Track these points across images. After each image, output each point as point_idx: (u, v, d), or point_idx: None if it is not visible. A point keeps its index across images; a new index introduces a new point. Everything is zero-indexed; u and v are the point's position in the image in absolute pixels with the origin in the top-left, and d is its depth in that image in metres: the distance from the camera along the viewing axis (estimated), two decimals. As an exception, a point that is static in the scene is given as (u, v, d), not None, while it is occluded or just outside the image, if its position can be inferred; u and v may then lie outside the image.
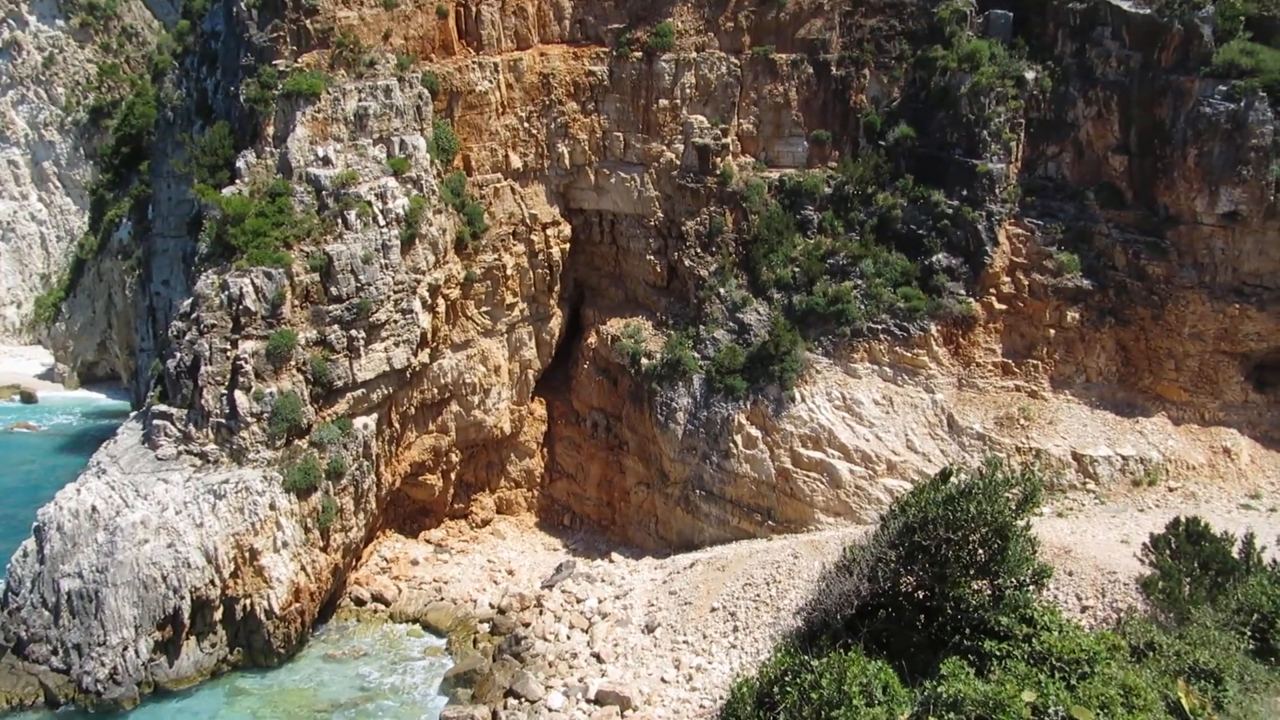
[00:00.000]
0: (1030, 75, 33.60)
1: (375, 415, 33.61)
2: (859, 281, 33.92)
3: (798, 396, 33.11)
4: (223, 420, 30.68)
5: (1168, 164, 31.81)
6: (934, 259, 33.51)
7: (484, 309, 37.89)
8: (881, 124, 35.57)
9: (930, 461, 31.44)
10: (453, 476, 38.95)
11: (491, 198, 37.16)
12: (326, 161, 33.44)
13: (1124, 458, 30.90)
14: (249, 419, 30.49)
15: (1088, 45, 33.26)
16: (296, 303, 31.60)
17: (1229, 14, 31.46)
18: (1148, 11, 32.15)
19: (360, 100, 34.03)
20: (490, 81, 36.42)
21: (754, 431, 33.49)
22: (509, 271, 37.63)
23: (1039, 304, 32.91)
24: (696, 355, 35.20)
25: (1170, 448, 31.13)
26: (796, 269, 34.89)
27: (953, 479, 11.47)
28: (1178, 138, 31.47)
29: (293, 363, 31.18)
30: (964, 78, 33.76)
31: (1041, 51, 34.26)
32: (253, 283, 31.13)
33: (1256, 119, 30.13)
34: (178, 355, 31.53)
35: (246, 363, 30.54)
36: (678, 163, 37.20)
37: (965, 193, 33.59)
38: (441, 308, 35.87)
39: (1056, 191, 33.77)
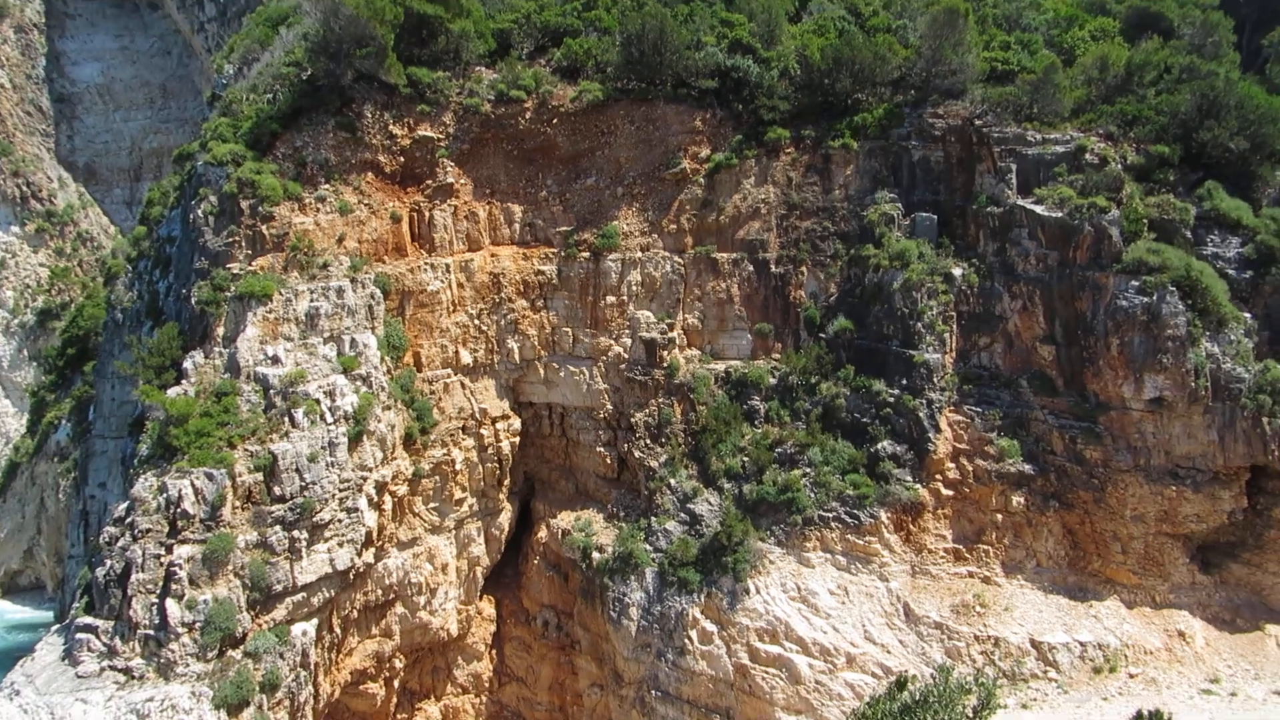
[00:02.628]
0: (958, 272, 37.15)
1: (315, 620, 33.58)
2: (808, 470, 35.73)
3: (752, 588, 33.98)
4: (151, 632, 30.44)
5: (1093, 353, 34.84)
6: (879, 446, 35.60)
7: (432, 505, 38.79)
8: (821, 317, 38.71)
9: (889, 653, 32.16)
10: (396, 684, 38.36)
11: (441, 393, 38.99)
12: (276, 360, 35.12)
13: (1082, 644, 31.92)
14: (180, 629, 30.32)
15: (1007, 245, 37.05)
16: (238, 504, 32.29)
17: (1132, 217, 35.62)
18: (1060, 215, 36.07)
19: (312, 300, 36.22)
20: (442, 281, 39.14)
21: (709, 626, 34.03)
22: (458, 466, 38.90)
23: (984, 489, 34.86)
24: (648, 548, 36.21)
25: (1126, 632, 32.30)
26: (745, 458, 36.74)
27: (909, 686, 12.30)
28: (1099, 329, 34.67)
29: (230, 567, 31.45)
30: (896, 274, 37.21)
31: (966, 250, 38.03)
32: (193, 484, 31.84)
33: (1169, 311, 33.52)
34: (108, 563, 31.63)
35: (181, 569, 30.73)
36: (626, 356, 39.74)
37: (905, 382, 36.20)
38: (388, 505, 36.70)
39: (992, 380, 36.57)
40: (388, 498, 36.52)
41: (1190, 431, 33.66)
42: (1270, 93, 39.41)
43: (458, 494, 39.17)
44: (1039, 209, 36.44)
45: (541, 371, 40.67)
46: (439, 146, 40.21)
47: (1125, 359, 33.87)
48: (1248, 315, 34.66)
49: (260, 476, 32.68)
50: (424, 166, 40.14)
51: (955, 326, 36.83)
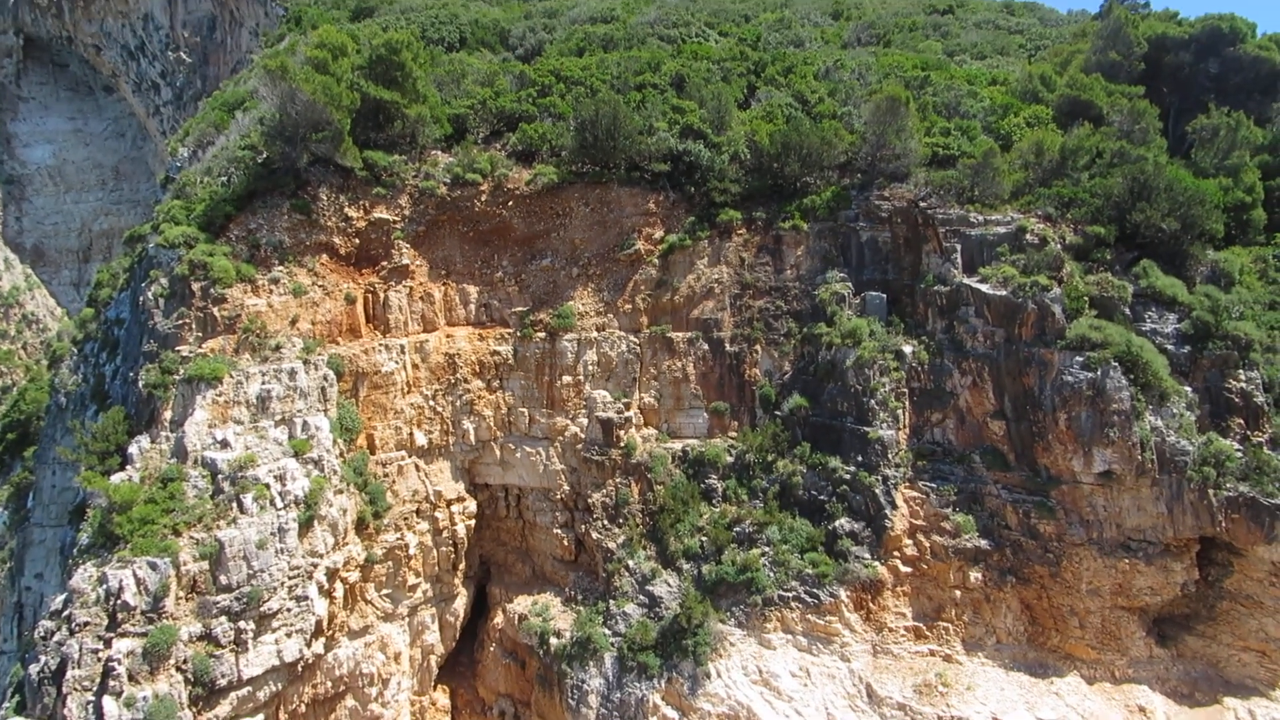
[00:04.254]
0: (908, 349, 38.02)
1: (261, 716, 32.32)
2: (766, 549, 35.74)
3: (713, 672, 33.57)
4: (85, 732, 29.17)
5: (1042, 428, 35.63)
6: (837, 524, 35.78)
7: (385, 592, 37.96)
8: (776, 395, 39.23)
9: (853, 737, 31.80)
10: (343, 784, 36.87)
11: (395, 476, 38.56)
12: (225, 444, 34.55)
13: (1045, 722, 31.88)
14: (115, 729, 29.08)
15: (955, 322, 38.08)
16: (181, 594, 31.33)
17: (1074, 295, 36.89)
18: (1004, 293, 37.22)
19: (264, 383, 35.89)
20: (396, 362, 39.08)
21: (670, 713, 33.43)
22: (412, 551, 38.25)
23: (942, 565, 35.07)
24: (607, 632, 35.69)
25: (1089, 709, 32.31)
26: (704, 538, 36.65)
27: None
28: (1047, 404, 35.53)
29: (172, 661, 30.32)
30: (848, 352, 37.97)
31: (916, 328, 39.00)
32: (135, 574, 30.87)
33: (1113, 386, 34.50)
34: (42, 659, 30.32)
35: (119, 664, 29.56)
36: (582, 436, 39.76)
37: (861, 459, 36.64)
38: (339, 592, 35.83)
39: (945, 455, 37.14)
40: (339, 585, 35.71)
41: (1140, 504, 34.35)
42: (1196, 176, 41.42)
43: (411, 579, 38.41)
44: (984, 287, 37.59)
45: (498, 452, 40.46)
46: (394, 228, 40.59)
47: (1073, 433, 34.65)
48: (1188, 389, 35.74)
49: (206, 565, 31.83)
50: (379, 248, 40.42)
51: (908, 403, 37.49)
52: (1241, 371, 35.94)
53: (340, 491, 35.92)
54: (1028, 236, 38.61)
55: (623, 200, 42.48)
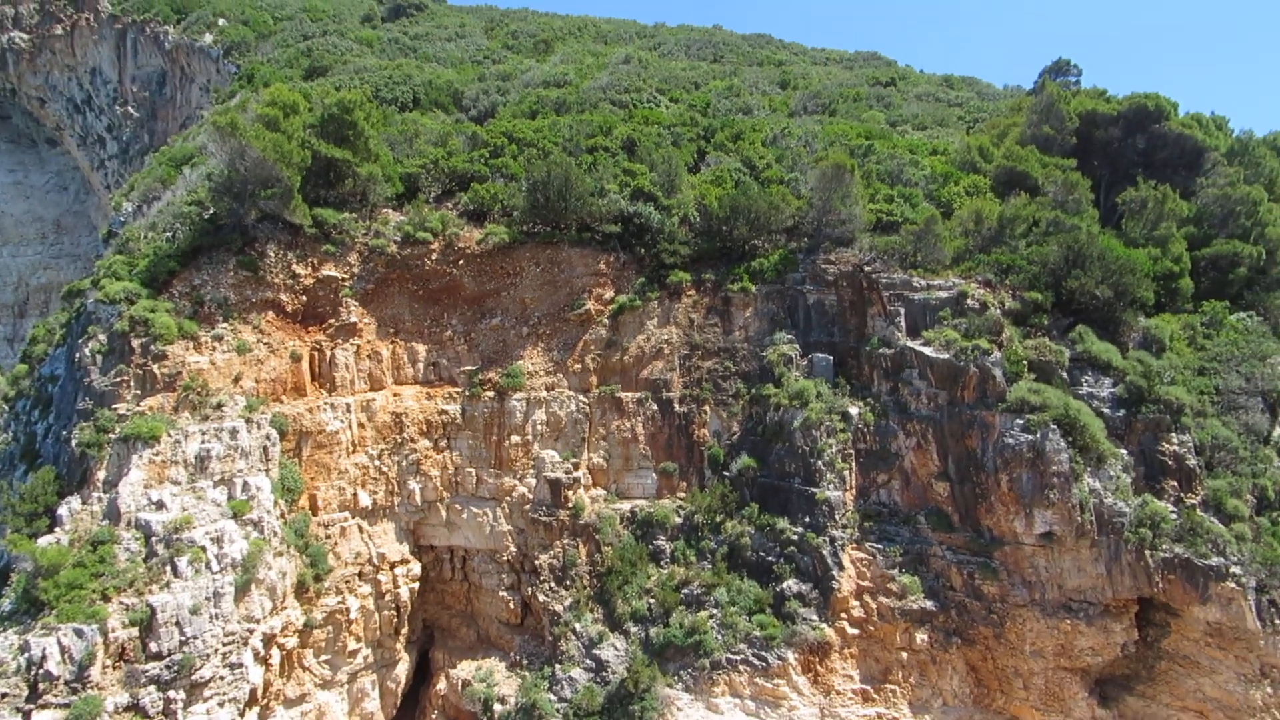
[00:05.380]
0: (854, 410, 38.72)
1: (187, 792, 31.13)
2: (714, 611, 35.67)
3: (660, 739, 33.17)
4: (-1, 811, 27.79)
5: (985, 489, 36.35)
6: (785, 585, 35.91)
7: (324, 658, 37.01)
8: (725, 456, 39.58)
9: (801, 805, 31.53)
10: None
11: (338, 537, 37.89)
12: (160, 506, 33.71)
13: (992, 786, 31.96)
14: (32, 807, 27.76)
15: (900, 384, 38.95)
16: (109, 663, 30.20)
17: (1013, 359, 38.01)
18: (946, 356, 38.22)
19: (203, 442, 35.24)
20: (342, 421, 38.69)
21: (616, 782, 32.87)
22: (353, 615, 37.43)
23: (889, 627, 35.30)
24: (553, 698, 35.12)
25: (1034, 772, 32.53)
26: (652, 600, 36.48)
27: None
28: (989, 465, 36.32)
29: (95, 734, 29.18)
30: (795, 413, 38.55)
31: (861, 389, 39.82)
32: (59, 642, 29.74)
33: (1053, 448, 35.38)
34: (-46, 733, 29.03)
35: (39, 738, 28.39)
36: (530, 496, 39.58)
37: (808, 520, 36.97)
38: (276, 659, 34.83)
39: (891, 516, 37.65)
40: (275, 651, 34.74)
41: (1080, 565, 35.04)
42: (1127, 246, 43.26)
43: (352, 645, 37.53)
44: (927, 350, 38.56)
45: (443, 513, 40.03)
46: (343, 286, 40.55)
47: (1015, 494, 35.39)
48: (1124, 452, 36.79)
49: (136, 632, 30.80)
50: (327, 306, 40.29)
51: (854, 464, 38.04)
52: (1174, 435, 37.14)
53: (280, 554, 35.17)
54: (969, 301, 39.82)
55: (573, 260, 43.01)
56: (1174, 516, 34.90)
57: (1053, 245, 42.03)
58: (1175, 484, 36.31)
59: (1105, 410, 37.66)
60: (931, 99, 72.37)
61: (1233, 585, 33.42)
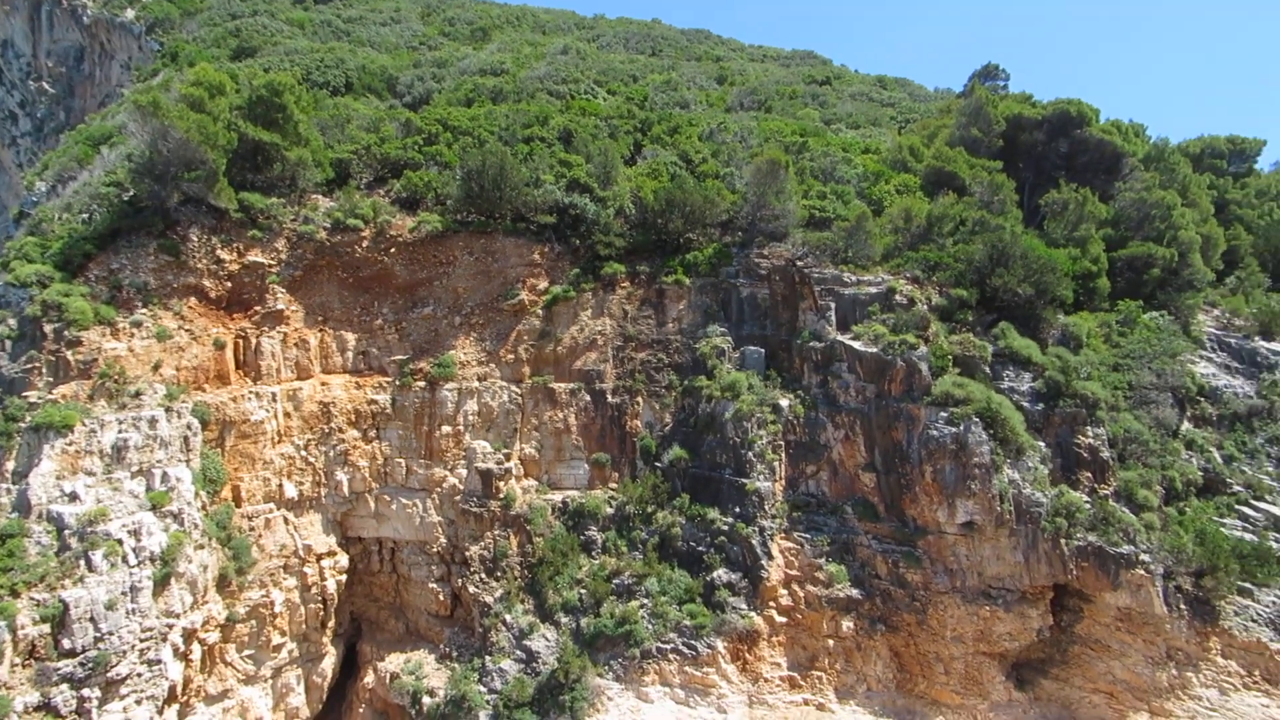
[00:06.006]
0: (785, 403, 39.33)
1: (101, 791, 30.24)
2: (645, 600, 35.93)
3: (590, 729, 33.31)
4: (-104, 815, 26.66)
5: (910, 480, 37.29)
6: (715, 575, 36.34)
7: (247, 653, 36.24)
8: (657, 447, 39.85)
9: (728, 791, 31.98)
10: None
11: (262, 529, 37.12)
12: (74, 497, 32.60)
13: (912, 769, 32.84)
14: (-67, 810, 26.71)
15: (829, 377, 39.69)
16: (18, 660, 29.14)
17: (939, 353, 39.02)
18: (875, 350, 39.06)
19: (120, 431, 34.16)
20: (267, 411, 37.88)
21: (546, 773, 32.92)
22: (278, 609, 36.73)
23: (816, 615, 35.99)
24: (483, 689, 35.01)
25: (953, 755, 33.53)
26: (583, 590, 36.60)
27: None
28: (914, 457, 37.25)
29: (2, 733, 28.18)
30: (727, 405, 38.99)
31: (792, 382, 40.46)
32: (-36, 638, 28.71)
33: (975, 440, 36.45)
34: None
35: (-59, 737, 27.32)
36: (461, 487, 39.31)
37: (738, 510, 37.47)
38: (196, 655, 33.99)
39: (819, 507, 38.37)
40: (196, 646, 33.90)
41: (999, 553, 36.17)
42: (1048, 246, 44.72)
43: (276, 639, 36.82)
44: (856, 344, 39.35)
45: (372, 504, 39.50)
46: (270, 272, 39.67)
47: (938, 485, 36.36)
48: (1042, 444, 38.07)
49: (47, 628, 29.75)
50: (253, 292, 39.38)
51: (784, 455, 38.64)
52: (1089, 428, 38.58)
53: (201, 547, 34.33)
54: (897, 297, 40.73)
55: (507, 250, 42.77)
56: (1088, 506, 36.25)
57: (978, 244, 43.22)
58: (1090, 475, 37.72)
59: (1025, 404, 38.89)
60: (865, 98, 73.69)
61: (1142, 572, 34.88)
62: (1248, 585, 35.38)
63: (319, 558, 38.00)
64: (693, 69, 76.13)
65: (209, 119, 38.46)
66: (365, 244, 41.72)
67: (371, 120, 49.81)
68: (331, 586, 38.33)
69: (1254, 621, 34.94)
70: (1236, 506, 38.28)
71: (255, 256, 39.53)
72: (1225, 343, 46.49)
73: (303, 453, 38.52)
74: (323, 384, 39.59)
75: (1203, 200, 53.24)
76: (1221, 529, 36.62)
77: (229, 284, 38.91)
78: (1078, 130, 54.93)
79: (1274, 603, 35.13)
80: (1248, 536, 36.72)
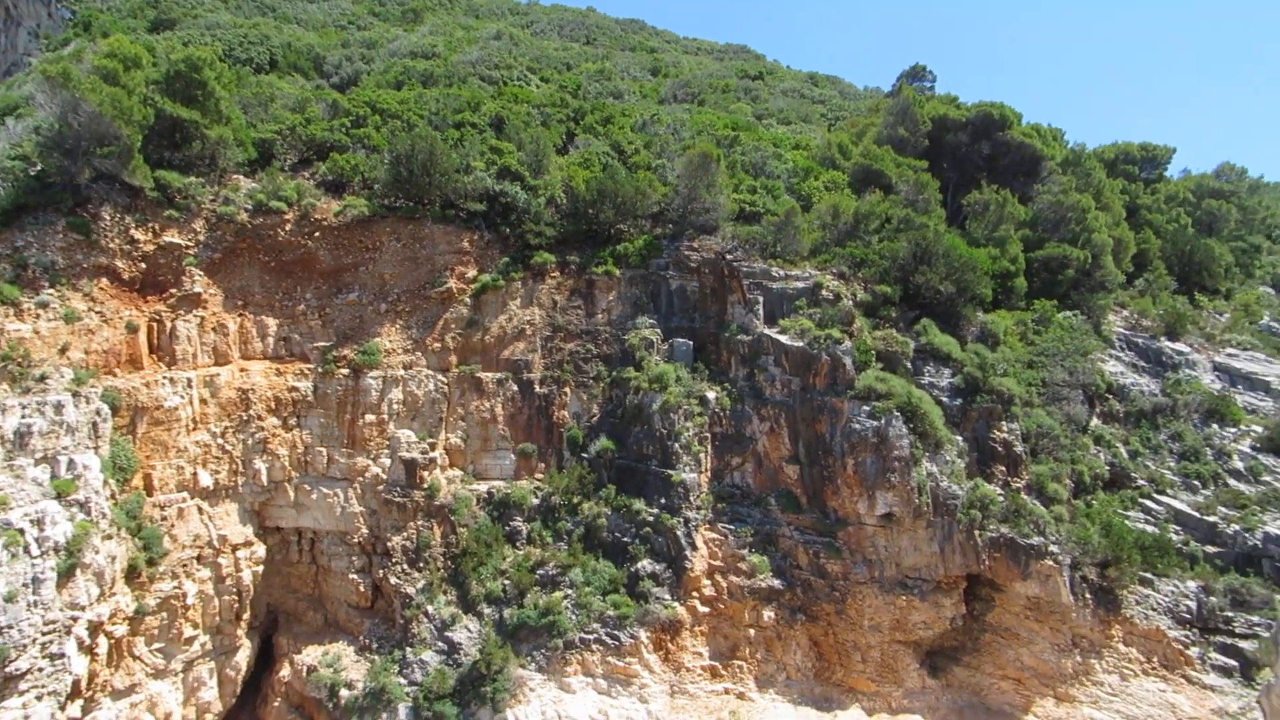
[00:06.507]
0: (711, 395, 39.65)
1: (-2, 790, 29.08)
2: (569, 591, 35.91)
3: (511, 718, 33.17)
4: None
5: (832, 472, 37.98)
6: (639, 565, 36.50)
7: (157, 646, 35.12)
8: (584, 437, 39.80)
9: (649, 779, 32.22)
10: None
11: (175, 519, 35.96)
12: (-28, 484, 31.26)
13: (829, 755, 33.57)
14: None
15: (756, 370, 40.16)
16: (-93, 654, 27.87)
17: (862, 348, 39.77)
18: (801, 344, 39.65)
19: (24, 417, 32.74)
20: (182, 397, 36.72)
21: (466, 764, 32.70)
22: (190, 600, 35.67)
23: (738, 605, 36.45)
24: (403, 681, 34.58)
25: (868, 740, 34.36)
26: (507, 581, 36.40)
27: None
28: (837, 450, 37.95)
29: (-111, 731, 26.90)
30: (655, 396, 39.14)
31: (719, 374, 40.81)
32: None
33: (896, 434, 37.30)
34: None
35: None
36: (384, 477, 38.70)
37: (664, 501, 37.67)
38: (103, 648, 32.84)
39: (743, 498, 38.84)
40: (102, 640, 32.75)
41: (916, 544, 37.12)
42: (970, 245, 45.95)
43: (188, 631, 35.76)
44: (783, 338, 39.88)
45: (292, 494, 38.62)
46: (187, 254, 38.42)
47: (859, 478, 37.11)
48: (959, 438, 39.19)
49: (-60, 620, 28.48)
50: (168, 274, 38.09)
51: (710, 447, 38.98)
52: (1004, 423, 39.82)
53: (109, 537, 33.17)
54: (823, 292, 41.38)
55: (436, 237, 42.18)
56: (1001, 499, 37.44)
57: (903, 242, 44.17)
58: (1004, 469, 38.96)
59: (944, 399, 39.96)
60: (797, 95, 74.57)
61: (1050, 563, 36.17)
62: (1148, 575, 36.96)
63: (234, 548, 37.00)
64: (627, 59, 76.07)
65: (123, 93, 37.04)
66: (288, 227, 40.70)
67: (297, 100, 48.58)
68: (247, 578, 37.38)
69: (1154, 610, 36.53)
70: (1140, 500, 39.95)
71: (171, 237, 38.23)
72: (1133, 342, 48.42)
73: (219, 440, 37.46)
74: (242, 370, 38.53)
75: (1116, 204, 55.26)
76: (1125, 521, 38.18)
77: (143, 265, 37.57)
78: (1000, 133, 56.47)
79: (1172, 592, 36.77)
80: (1149, 529, 38.36)
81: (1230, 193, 66.69)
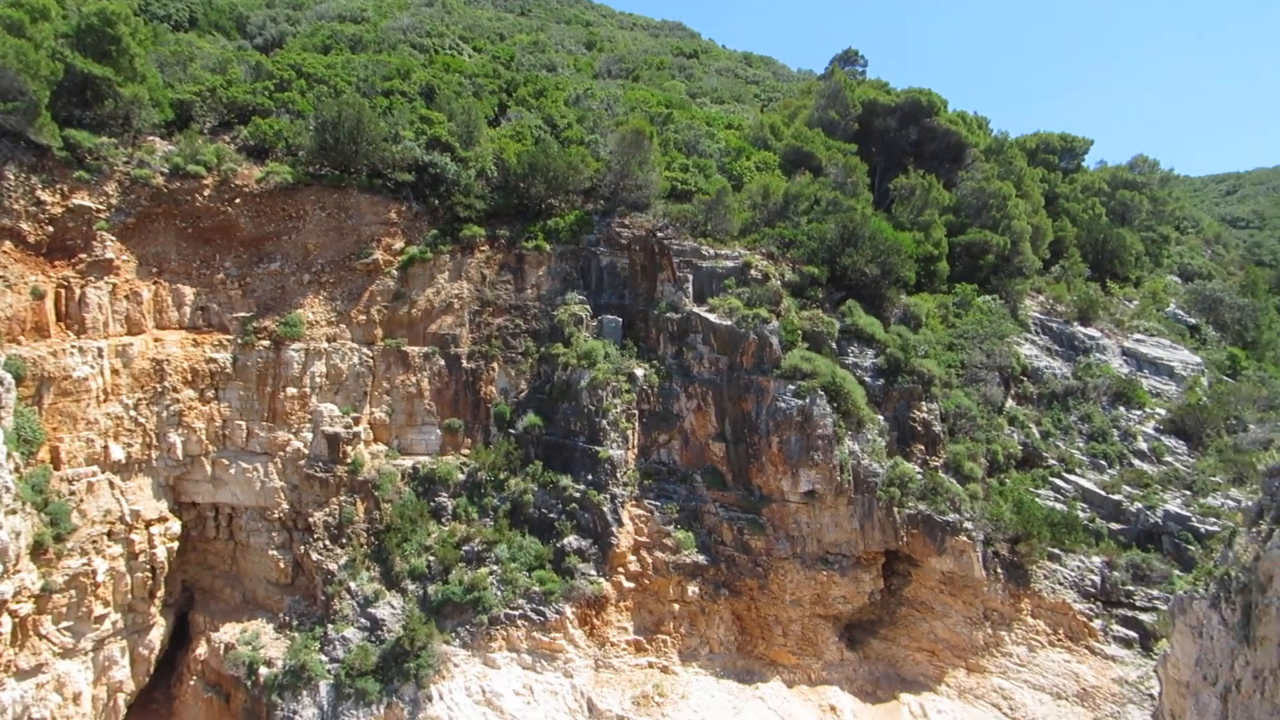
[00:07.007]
0: (640, 372, 39.70)
1: (-110, 774, 27.88)
2: (495, 567, 35.75)
3: (435, 694, 32.95)
4: None
5: (757, 450, 38.45)
6: (565, 541, 36.51)
7: (65, 624, 33.87)
8: (511, 413, 39.54)
9: (572, 752, 32.44)
10: (0, 845, 32.41)
11: (84, 494, 34.65)
12: None
13: (749, 726, 34.22)
14: None
15: (685, 349, 40.32)
16: None
17: (789, 328, 40.25)
18: (729, 323, 39.89)
19: (-80, 385, 31.22)
20: (92, 367, 35.30)
21: (388, 740, 32.45)
22: (101, 578, 34.46)
23: (663, 580, 36.78)
24: (324, 658, 34.08)
25: (787, 710, 35.05)
26: (432, 558, 36.07)
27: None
28: (762, 428, 38.40)
29: None
30: (583, 373, 39.03)
31: (648, 352, 40.87)
32: None
33: (819, 413, 37.88)
34: None
35: None
36: (306, 452, 37.87)
37: (591, 477, 37.68)
38: (6, 627, 31.52)
39: (670, 475, 39.09)
40: (6, 618, 31.46)
41: (837, 521, 37.89)
42: (896, 228, 46.74)
43: (99, 610, 34.60)
44: (712, 317, 40.10)
45: (209, 468, 37.55)
46: (98, 218, 36.81)
47: (784, 455, 37.65)
48: (880, 417, 40.01)
49: None
50: (78, 239, 36.46)
51: (638, 424, 39.09)
52: (924, 403, 40.79)
53: (13, 512, 31.78)
54: (752, 272, 41.68)
55: (362, 207, 41.20)
56: (920, 477, 38.42)
57: (831, 224, 44.71)
58: (922, 448, 39.95)
59: (867, 379, 40.73)
60: (731, 74, 74.71)
61: (965, 539, 37.31)
62: (1056, 551, 38.38)
63: (148, 524, 35.85)
64: (561, 32, 75.18)
65: (29, 45, 35.26)
66: (207, 193, 39.28)
67: (218, 61, 46.85)
68: (161, 554, 36.27)
69: (1060, 584, 37.99)
70: (1050, 479, 41.40)
71: (81, 200, 36.58)
72: (1048, 327, 50.00)
73: (132, 413, 36.16)
74: (156, 340, 37.19)
75: (1035, 193, 56.80)
76: (1036, 499, 39.54)
77: (50, 228, 35.90)
78: (927, 119, 57.44)
79: (1078, 567, 38.28)
80: (1058, 506, 39.81)
81: (1143, 184, 69.12)
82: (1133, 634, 36.55)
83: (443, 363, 39.87)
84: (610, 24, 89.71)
